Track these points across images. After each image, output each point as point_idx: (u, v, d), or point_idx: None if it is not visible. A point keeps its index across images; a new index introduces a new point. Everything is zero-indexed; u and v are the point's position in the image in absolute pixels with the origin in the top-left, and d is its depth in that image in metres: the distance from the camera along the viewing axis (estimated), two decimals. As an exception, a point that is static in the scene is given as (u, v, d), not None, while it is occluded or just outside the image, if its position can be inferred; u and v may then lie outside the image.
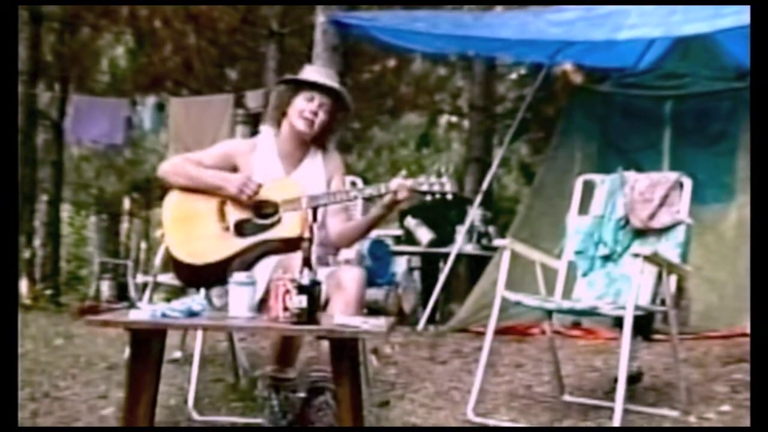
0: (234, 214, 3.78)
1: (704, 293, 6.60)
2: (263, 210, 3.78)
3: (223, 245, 3.70)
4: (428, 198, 3.77)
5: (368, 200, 3.99)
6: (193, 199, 3.81)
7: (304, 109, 3.86)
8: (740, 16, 5.41)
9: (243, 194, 3.74)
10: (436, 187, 3.71)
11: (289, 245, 3.64)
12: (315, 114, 3.87)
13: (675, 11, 6.31)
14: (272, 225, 3.73)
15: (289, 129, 3.92)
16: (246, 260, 3.64)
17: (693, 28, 6.30)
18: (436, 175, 3.74)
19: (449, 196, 3.74)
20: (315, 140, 3.96)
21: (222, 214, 3.78)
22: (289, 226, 3.69)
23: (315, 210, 3.68)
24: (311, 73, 3.98)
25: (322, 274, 3.17)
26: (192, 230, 3.77)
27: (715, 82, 7.51)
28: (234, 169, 3.90)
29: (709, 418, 4.08)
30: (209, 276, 3.66)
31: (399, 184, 3.69)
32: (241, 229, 3.75)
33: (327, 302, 3.43)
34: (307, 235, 3.19)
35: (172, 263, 3.81)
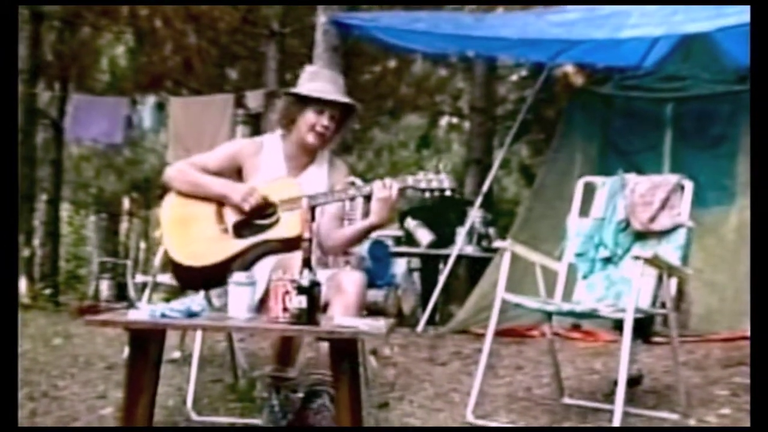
0: (232, 216, 3.76)
1: (704, 296, 6.60)
2: (261, 210, 3.76)
3: (222, 247, 3.68)
4: (427, 195, 3.76)
5: (367, 200, 3.96)
6: (192, 202, 3.80)
7: (315, 124, 3.83)
8: (742, 16, 5.40)
9: (246, 204, 3.71)
10: (434, 184, 3.70)
11: (288, 245, 3.63)
12: (326, 128, 3.85)
13: (677, 12, 6.31)
14: (271, 225, 3.71)
15: (297, 137, 3.89)
16: (245, 261, 3.63)
17: (695, 27, 6.30)
18: (434, 171, 3.74)
19: (448, 193, 3.73)
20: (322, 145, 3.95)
21: (220, 216, 3.77)
22: (287, 226, 3.67)
23: (314, 210, 3.67)
24: (317, 81, 3.91)
25: (322, 276, 3.16)
26: (191, 232, 3.75)
27: (716, 84, 7.51)
28: (239, 170, 3.90)
29: (708, 421, 4.07)
30: (208, 278, 3.63)
31: (379, 186, 3.68)
32: (239, 230, 3.73)
33: (327, 305, 3.42)
34: (307, 235, 3.17)
35: (171, 266, 3.78)
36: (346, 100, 3.90)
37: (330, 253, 4.03)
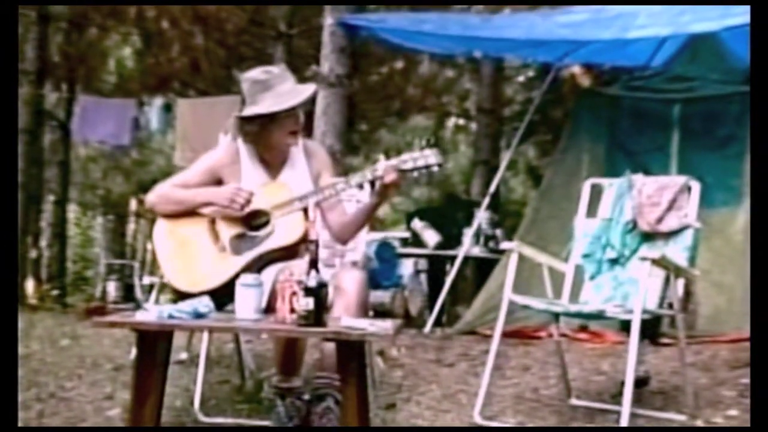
0: (226, 231, 3.67)
1: (712, 297, 6.57)
2: (254, 221, 3.69)
3: (223, 267, 3.59)
4: (415, 174, 3.66)
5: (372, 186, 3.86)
6: (182, 224, 3.72)
7: (291, 128, 3.75)
8: (749, 16, 5.39)
9: (235, 204, 3.62)
10: (420, 162, 3.60)
11: (287, 252, 3.59)
12: (301, 123, 3.78)
13: (684, 12, 6.30)
14: (267, 235, 3.64)
15: (274, 143, 3.78)
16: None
17: (702, 26, 6.29)
18: (419, 148, 3.65)
19: (435, 168, 3.64)
20: None
21: (214, 234, 3.68)
22: (285, 233, 3.61)
23: (308, 209, 3.62)
24: (277, 86, 3.73)
25: (326, 276, 3.14)
26: (188, 257, 3.66)
27: (724, 85, 7.48)
28: (219, 182, 3.79)
29: (716, 422, 4.07)
30: (215, 299, 3.41)
31: (385, 166, 3.60)
32: (236, 245, 3.64)
33: (330, 306, 3.39)
34: (313, 236, 3.16)
35: (174, 293, 3.69)
36: (311, 89, 3.82)
37: (348, 241, 3.99)
